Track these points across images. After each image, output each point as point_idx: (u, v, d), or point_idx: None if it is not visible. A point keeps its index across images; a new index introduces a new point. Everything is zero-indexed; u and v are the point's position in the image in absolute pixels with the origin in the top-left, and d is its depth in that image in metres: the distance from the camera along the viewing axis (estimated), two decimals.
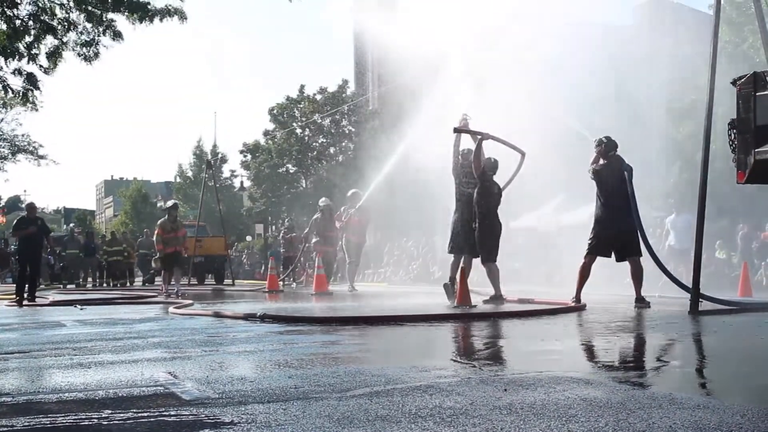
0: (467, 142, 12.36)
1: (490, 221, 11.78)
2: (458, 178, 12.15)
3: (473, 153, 11.90)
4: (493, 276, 11.78)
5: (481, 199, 11.81)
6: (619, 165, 10.93)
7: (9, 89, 13.66)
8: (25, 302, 15.12)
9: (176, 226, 17.62)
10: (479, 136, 11.93)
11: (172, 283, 17.40)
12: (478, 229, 11.80)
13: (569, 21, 17.78)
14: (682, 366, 5.57)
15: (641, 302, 10.56)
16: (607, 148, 11.05)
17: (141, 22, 12.86)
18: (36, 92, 13.58)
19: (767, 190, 15.12)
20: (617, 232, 10.77)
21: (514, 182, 12.64)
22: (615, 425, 3.34)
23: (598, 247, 10.98)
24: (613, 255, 11.06)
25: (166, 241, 17.26)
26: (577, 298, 10.88)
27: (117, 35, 13.15)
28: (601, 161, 11.10)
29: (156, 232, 17.85)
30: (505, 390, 4.21)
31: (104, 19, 13.01)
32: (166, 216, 17.81)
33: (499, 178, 12.19)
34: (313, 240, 18.55)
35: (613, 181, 10.86)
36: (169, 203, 19.05)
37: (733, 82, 8.56)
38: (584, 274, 11.07)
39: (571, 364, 5.42)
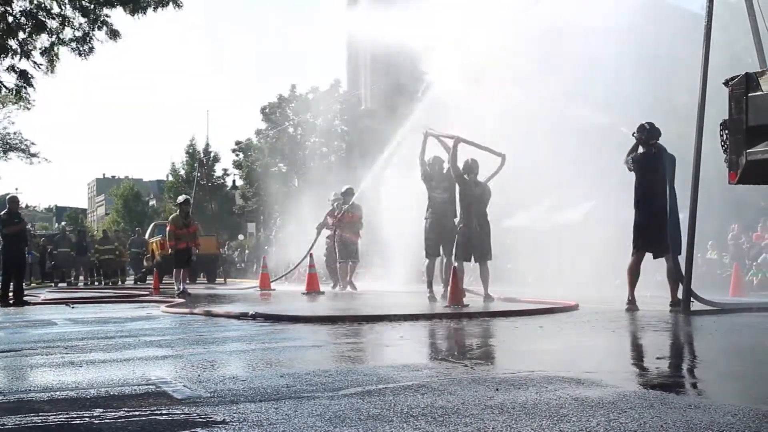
0: (434, 151, 12.53)
1: (464, 223, 11.96)
2: (429, 185, 12.36)
3: (450, 156, 12.08)
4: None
5: (460, 201, 12.09)
6: (659, 155, 10.06)
7: (2, 86, 13.58)
8: (11, 303, 14.11)
9: (188, 222, 17.16)
10: (453, 140, 12.11)
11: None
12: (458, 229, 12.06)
13: (568, 21, 17.80)
14: (674, 366, 5.58)
15: (676, 305, 9.74)
16: (649, 135, 10.12)
17: (134, 15, 12.79)
18: (29, 89, 13.51)
19: (759, 191, 15.18)
20: (652, 226, 9.96)
21: (501, 180, 12.51)
22: (606, 425, 3.34)
23: (641, 243, 10.11)
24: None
25: (178, 237, 16.76)
26: (630, 300, 10.00)
27: (114, 34, 13.10)
28: (641, 149, 10.22)
29: (168, 228, 17.39)
30: (497, 389, 4.21)
31: (98, 14, 12.96)
32: (178, 211, 17.32)
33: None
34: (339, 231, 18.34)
35: (651, 171, 10.00)
36: (181, 198, 18.22)
37: (726, 83, 8.59)
38: (632, 273, 10.14)
39: (563, 363, 5.43)
